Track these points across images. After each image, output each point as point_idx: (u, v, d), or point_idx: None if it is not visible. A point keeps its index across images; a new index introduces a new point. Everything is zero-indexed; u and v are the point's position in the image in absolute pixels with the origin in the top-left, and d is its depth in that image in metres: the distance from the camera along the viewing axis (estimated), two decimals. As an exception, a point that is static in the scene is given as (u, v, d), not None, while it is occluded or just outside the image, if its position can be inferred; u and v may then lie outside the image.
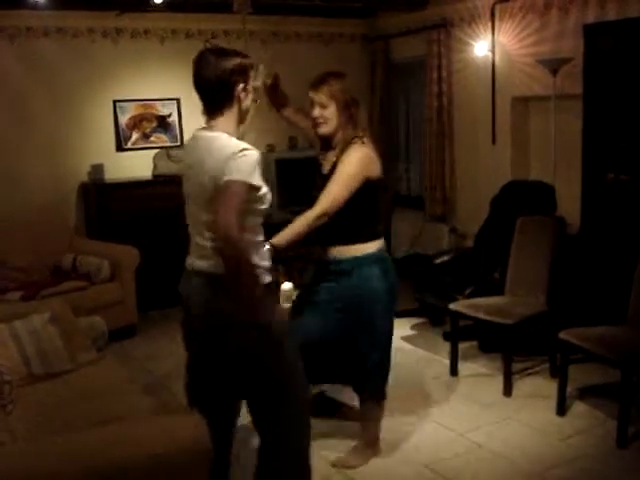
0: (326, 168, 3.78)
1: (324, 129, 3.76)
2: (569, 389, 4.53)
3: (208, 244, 2.98)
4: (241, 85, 3.10)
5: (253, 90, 3.19)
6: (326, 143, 3.82)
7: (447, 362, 5.15)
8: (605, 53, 5.10)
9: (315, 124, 3.81)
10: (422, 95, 7.59)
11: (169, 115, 7.36)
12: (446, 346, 5.27)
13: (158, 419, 3.07)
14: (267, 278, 3.09)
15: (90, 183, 6.90)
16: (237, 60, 3.14)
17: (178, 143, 7.36)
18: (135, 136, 7.22)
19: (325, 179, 3.69)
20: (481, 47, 6.72)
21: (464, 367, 5.17)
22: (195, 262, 3.11)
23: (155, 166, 7.07)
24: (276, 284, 3.34)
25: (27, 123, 6.66)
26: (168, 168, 7.03)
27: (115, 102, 7.07)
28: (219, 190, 2.88)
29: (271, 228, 7.68)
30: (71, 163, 6.93)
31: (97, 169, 6.88)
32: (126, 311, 6.20)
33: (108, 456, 2.56)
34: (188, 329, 3.23)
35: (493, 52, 6.63)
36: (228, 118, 3.17)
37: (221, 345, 3.02)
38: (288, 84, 7.90)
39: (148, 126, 7.28)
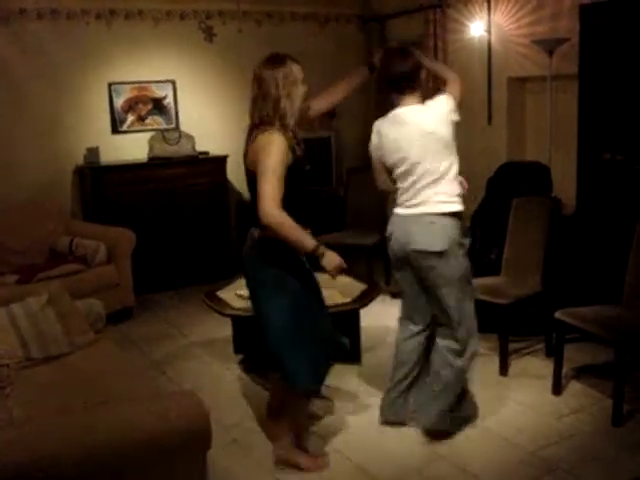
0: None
1: None
2: (564, 368, 4.56)
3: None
4: (423, 72, 3.94)
5: None
6: None
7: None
8: (601, 33, 5.09)
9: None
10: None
11: (164, 97, 7.34)
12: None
13: (154, 401, 3.07)
14: None
15: (86, 166, 6.89)
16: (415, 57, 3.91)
17: (173, 125, 7.35)
18: (130, 118, 7.20)
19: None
20: (477, 27, 6.70)
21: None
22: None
23: (151, 148, 7.05)
24: None
25: (22, 106, 6.64)
26: (164, 150, 7.02)
27: (110, 84, 7.05)
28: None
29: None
30: (67, 146, 6.92)
31: (93, 152, 6.87)
32: (123, 294, 6.21)
33: (105, 438, 2.58)
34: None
35: (489, 32, 6.61)
36: (418, 95, 3.92)
37: None
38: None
39: (143, 108, 7.26)
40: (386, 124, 3.94)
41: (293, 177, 3.43)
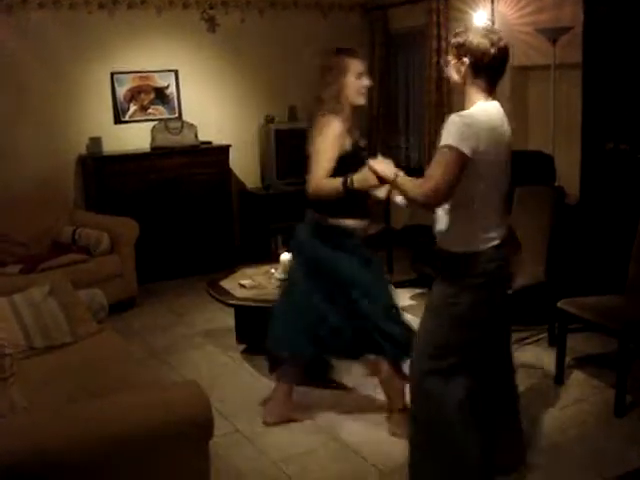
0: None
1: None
2: (567, 358, 4.56)
3: None
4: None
5: None
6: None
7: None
8: (605, 22, 5.07)
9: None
10: (421, 65, 7.55)
11: (167, 87, 7.32)
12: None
13: (157, 390, 3.08)
14: None
15: (88, 156, 6.89)
16: None
17: (176, 115, 7.34)
18: (133, 108, 7.19)
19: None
20: (480, 16, 6.67)
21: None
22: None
23: (153, 138, 7.04)
24: None
25: (24, 96, 6.63)
26: (166, 140, 7.01)
27: (112, 74, 7.03)
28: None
29: (270, 199, 7.70)
30: (69, 136, 6.91)
31: (95, 142, 6.86)
32: (126, 283, 6.21)
33: (107, 427, 2.58)
34: None
35: (492, 21, 6.58)
36: None
37: None
38: (286, 54, 7.93)
39: (146, 98, 7.24)
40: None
41: (350, 162, 3.60)
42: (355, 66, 3.75)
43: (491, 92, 3.01)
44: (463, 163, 2.83)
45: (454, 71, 3.03)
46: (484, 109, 2.96)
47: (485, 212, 3.02)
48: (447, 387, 3.08)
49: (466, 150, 2.81)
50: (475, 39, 2.92)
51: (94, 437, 2.55)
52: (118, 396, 2.96)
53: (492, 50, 2.90)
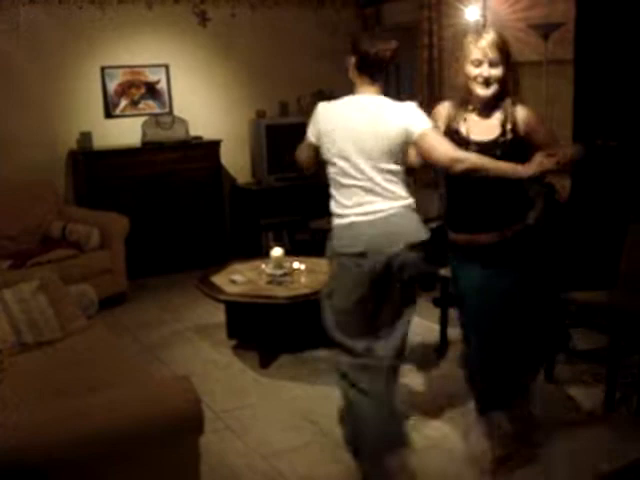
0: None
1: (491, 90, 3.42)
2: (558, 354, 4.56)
3: None
4: None
5: None
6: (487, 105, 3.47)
7: (437, 328, 5.16)
8: (596, 18, 5.07)
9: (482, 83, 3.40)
10: (413, 61, 7.54)
11: (158, 81, 7.29)
12: (436, 312, 5.28)
13: (147, 386, 3.07)
14: None
15: (79, 151, 6.86)
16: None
17: (167, 110, 7.31)
18: (123, 103, 7.16)
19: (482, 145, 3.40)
20: (472, 12, 6.66)
21: (454, 333, 5.17)
22: None
23: (144, 133, 7.01)
24: None
25: (14, 91, 6.60)
26: (157, 135, 6.99)
27: (103, 68, 7.00)
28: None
29: (261, 194, 7.71)
30: (59, 131, 6.89)
31: (86, 137, 6.83)
32: (116, 279, 6.20)
33: (97, 423, 2.57)
34: None
35: (484, 17, 6.57)
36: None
37: None
38: (277, 49, 7.91)
39: (136, 93, 7.22)
40: None
41: None
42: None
43: (372, 85, 3.40)
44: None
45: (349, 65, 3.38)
46: (350, 98, 3.36)
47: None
48: None
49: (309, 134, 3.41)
50: (363, 44, 3.34)
51: (84, 433, 2.54)
52: (108, 392, 2.95)
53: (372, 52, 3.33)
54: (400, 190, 3.30)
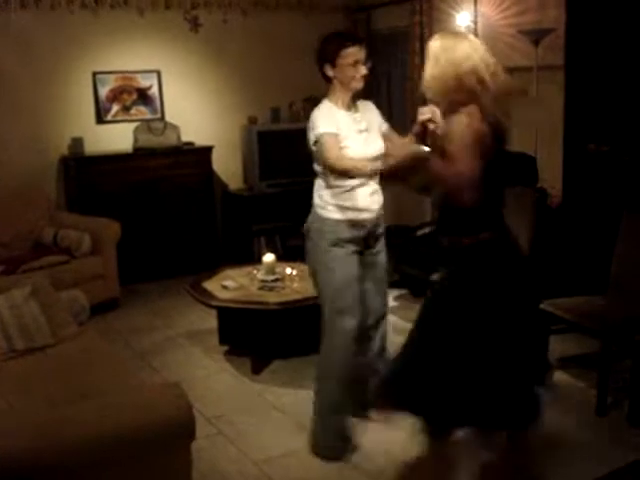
0: None
1: None
2: (550, 359, 4.56)
3: None
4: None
5: None
6: None
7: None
8: (587, 24, 5.10)
9: None
10: (404, 66, 7.55)
11: (149, 87, 7.29)
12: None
13: (138, 392, 3.07)
14: None
15: (70, 156, 6.85)
16: None
17: (159, 116, 7.31)
18: (115, 108, 7.15)
19: None
20: (463, 17, 6.68)
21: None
22: None
23: (136, 139, 7.00)
24: None
25: (5, 96, 6.58)
26: (149, 141, 6.98)
27: (95, 74, 7.00)
28: None
29: (253, 200, 7.70)
30: (51, 136, 6.87)
31: (77, 142, 6.82)
32: (108, 285, 6.18)
33: (88, 429, 2.57)
34: None
35: (475, 23, 6.60)
36: None
37: None
38: (269, 55, 7.92)
39: (128, 98, 7.21)
40: None
41: None
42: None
43: None
44: None
45: None
46: None
47: None
48: None
49: None
50: None
51: (75, 439, 2.54)
52: (99, 398, 2.94)
53: None
54: (317, 189, 3.74)
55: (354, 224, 3.66)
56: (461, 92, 3.04)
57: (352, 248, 3.70)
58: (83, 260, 6.07)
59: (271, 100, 7.72)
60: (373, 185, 3.72)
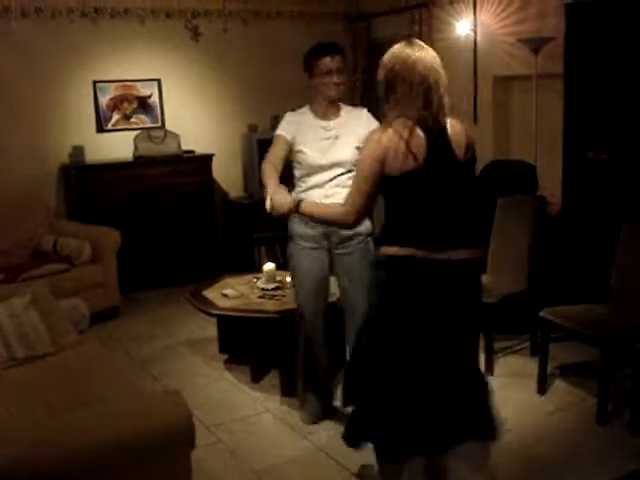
0: None
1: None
2: (549, 367, 4.57)
3: None
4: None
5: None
6: None
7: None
8: (586, 32, 5.10)
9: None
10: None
11: (150, 96, 7.30)
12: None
13: (138, 401, 3.06)
14: None
15: (71, 165, 6.86)
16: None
17: (159, 124, 7.32)
18: (115, 117, 7.17)
19: None
20: (463, 26, 6.71)
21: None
22: None
23: (136, 148, 7.02)
24: None
25: (6, 105, 6.60)
26: (149, 149, 6.99)
27: (95, 83, 7.02)
28: None
29: (253, 208, 7.70)
30: (51, 144, 6.89)
31: (78, 151, 6.83)
32: (108, 293, 6.18)
33: (88, 438, 2.57)
34: None
35: (475, 31, 6.62)
36: None
37: None
38: (269, 64, 7.93)
39: (129, 107, 7.23)
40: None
41: None
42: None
43: None
44: None
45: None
46: None
47: None
48: None
49: None
50: None
51: (75, 447, 2.54)
52: (99, 406, 2.94)
53: None
54: None
55: (306, 222, 3.81)
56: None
57: (307, 244, 3.98)
58: (83, 268, 6.07)
59: (271, 108, 7.72)
60: (331, 189, 3.87)
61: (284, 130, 3.95)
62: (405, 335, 2.93)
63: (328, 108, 3.95)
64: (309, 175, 3.93)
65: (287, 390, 4.56)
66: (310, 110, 4.01)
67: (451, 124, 3.00)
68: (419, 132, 2.88)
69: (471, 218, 2.99)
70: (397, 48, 3.02)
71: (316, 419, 4.19)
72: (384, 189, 2.96)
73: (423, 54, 2.97)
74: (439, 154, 2.90)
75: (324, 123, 3.93)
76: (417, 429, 2.96)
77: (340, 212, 3.08)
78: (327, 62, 3.87)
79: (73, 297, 4.76)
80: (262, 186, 3.75)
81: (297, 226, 3.96)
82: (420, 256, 2.89)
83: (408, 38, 3.13)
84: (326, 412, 4.21)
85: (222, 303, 4.85)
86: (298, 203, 3.30)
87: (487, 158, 6.38)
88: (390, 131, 2.88)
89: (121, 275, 6.33)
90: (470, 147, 3.01)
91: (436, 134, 2.92)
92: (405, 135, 2.86)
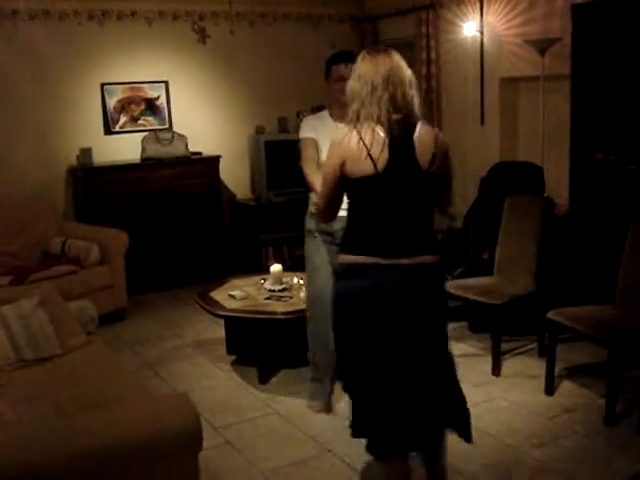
0: None
1: None
2: (557, 368, 4.56)
3: None
4: None
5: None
6: None
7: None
8: (593, 33, 5.09)
9: None
10: (411, 76, 7.56)
11: (157, 98, 7.32)
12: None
13: (146, 402, 3.07)
14: None
15: (79, 167, 6.88)
16: None
17: (167, 126, 7.34)
18: (123, 119, 7.19)
19: None
20: (469, 28, 6.70)
21: (454, 347, 5.08)
22: None
23: (144, 149, 7.03)
24: None
25: (14, 107, 6.62)
26: (157, 151, 7.01)
27: (103, 85, 7.03)
28: None
29: (260, 210, 7.71)
30: (59, 147, 6.91)
31: (86, 153, 6.85)
32: (116, 295, 6.19)
33: (97, 439, 2.57)
34: None
35: (481, 33, 6.61)
36: None
37: None
38: (276, 65, 7.95)
39: (136, 109, 7.24)
40: None
41: None
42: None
43: None
44: None
45: None
46: None
47: None
48: None
49: None
50: None
51: (83, 449, 2.53)
52: (107, 408, 2.94)
53: None
54: None
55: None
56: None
57: (319, 238, 4.22)
58: (91, 270, 6.08)
59: (278, 110, 7.74)
60: None
61: (309, 133, 4.12)
62: (365, 343, 2.91)
63: (342, 111, 3.93)
64: None
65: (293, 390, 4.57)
66: (328, 113, 4.20)
67: (420, 131, 2.92)
68: (382, 136, 2.83)
69: (427, 228, 2.95)
70: (360, 55, 3.00)
71: (328, 408, 4.32)
72: (347, 191, 2.97)
73: (384, 56, 2.93)
74: (400, 161, 2.84)
75: (341, 125, 3.89)
76: (397, 426, 2.94)
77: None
78: (341, 69, 4.00)
79: (81, 299, 4.77)
80: (310, 190, 4.08)
81: (309, 221, 4.28)
82: (370, 263, 2.85)
83: (372, 45, 3.18)
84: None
85: (229, 304, 4.86)
86: None
87: (494, 159, 6.38)
88: (353, 134, 2.86)
89: (129, 277, 6.35)
90: (438, 156, 2.91)
91: (400, 140, 2.86)
92: (367, 139, 2.83)
